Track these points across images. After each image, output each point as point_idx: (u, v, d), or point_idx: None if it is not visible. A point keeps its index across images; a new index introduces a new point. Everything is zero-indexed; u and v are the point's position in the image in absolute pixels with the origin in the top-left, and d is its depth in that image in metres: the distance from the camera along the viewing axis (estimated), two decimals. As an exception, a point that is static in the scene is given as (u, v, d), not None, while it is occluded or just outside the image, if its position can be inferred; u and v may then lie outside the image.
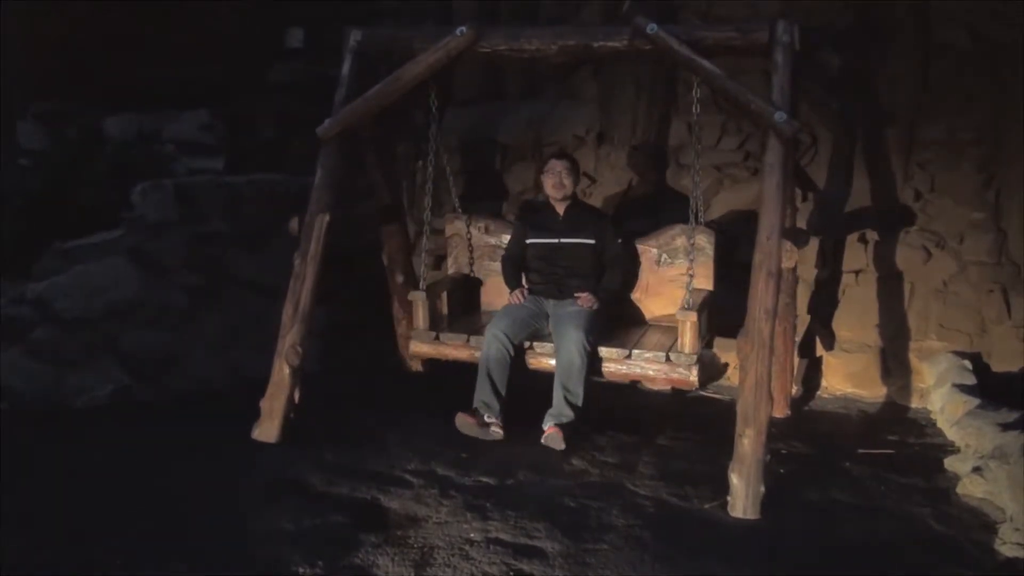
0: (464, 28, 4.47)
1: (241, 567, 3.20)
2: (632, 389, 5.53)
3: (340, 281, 5.51)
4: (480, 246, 5.33)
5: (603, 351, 4.56)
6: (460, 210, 5.40)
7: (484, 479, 4.10)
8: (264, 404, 4.50)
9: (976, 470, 4.04)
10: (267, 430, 4.47)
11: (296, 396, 4.54)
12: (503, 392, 4.63)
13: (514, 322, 4.70)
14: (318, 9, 7.52)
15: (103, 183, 6.36)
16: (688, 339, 4.39)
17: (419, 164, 4.89)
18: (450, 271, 5.40)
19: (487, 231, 5.33)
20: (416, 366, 5.49)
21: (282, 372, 4.50)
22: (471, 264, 5.35)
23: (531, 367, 4.75)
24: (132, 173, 6.03)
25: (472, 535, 3.49)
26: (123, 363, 5.09)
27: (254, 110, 7.36)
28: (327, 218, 4.61)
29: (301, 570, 3.16)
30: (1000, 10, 5.34)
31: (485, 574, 3.18)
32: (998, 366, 5.34)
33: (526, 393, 4.66)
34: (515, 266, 5.08)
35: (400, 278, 5.43)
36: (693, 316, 4.36)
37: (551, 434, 4.46)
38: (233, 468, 4.13)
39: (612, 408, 5.15)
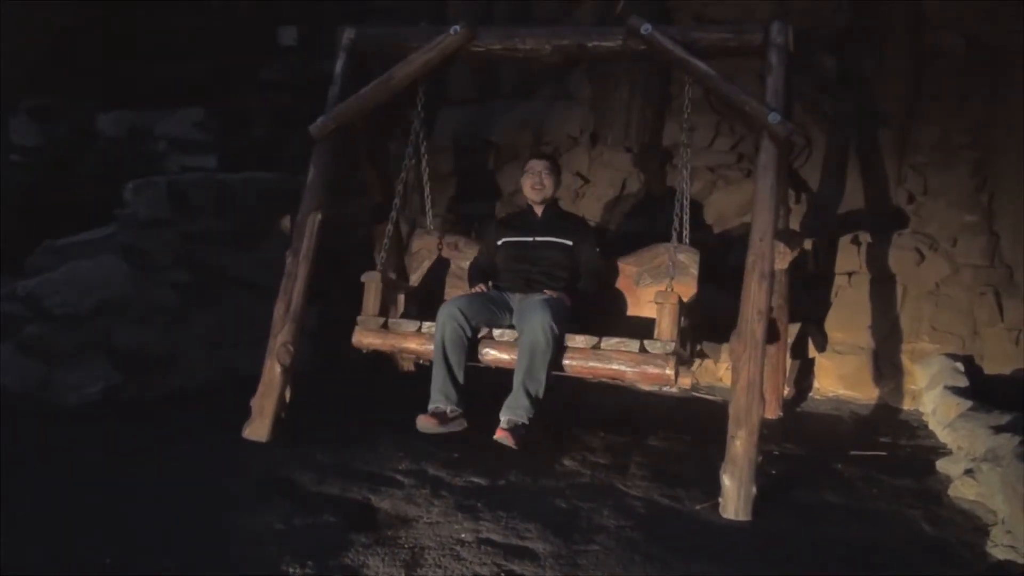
0: (458, 27, 4.46)
1: (230, 566, 3.18)
2: (623, 389, 5.52)
3: (332, 280, 5.49)
4: (449, 264, 5.07)
5: (570, 340, 4.19)
6: (431, 224, 5.23)
7: (475, 479, 4.09)
8: (255, 403, 4.49)
9: (968, 472, 4.05)
10: (258, 429, 4.45)
11: (287, 395, 4.52)
12: (461, 379, 4.29)
13: (472, 302, 4.38)
14: (312, 7, 7.52)
15: (95, 180, 6.35)
16: (665, 325, 4.08)
17: (409, 163, 4.84)
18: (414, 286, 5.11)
19: (457, 248, 5.09)
20: (408, 366, 5.48)
21: (273, 371, 4.49)
22: (437, 282, 5.06)
23: (486, 360, 4.34)
24: (124, 170, 6.01)
25: (463, 535, 3.48)
26: (114, 360, 5.07)
27: (247, 108, 7.35)
28: (319, 216, 4.60)
29: (291, 570, 3.14)
30: (993, 13, 5.36)
31: (476, 575, 3.17)
32: (990, 368, 5.36)
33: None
34: (482, 272, 4.82)
35: (392, 277, 5.41)
36: (673, 297, 4.06)
37: (501, 437, 4.08)
38: (223, 467, 4.11)
39: (603, 409, 5.14)
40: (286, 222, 4.72)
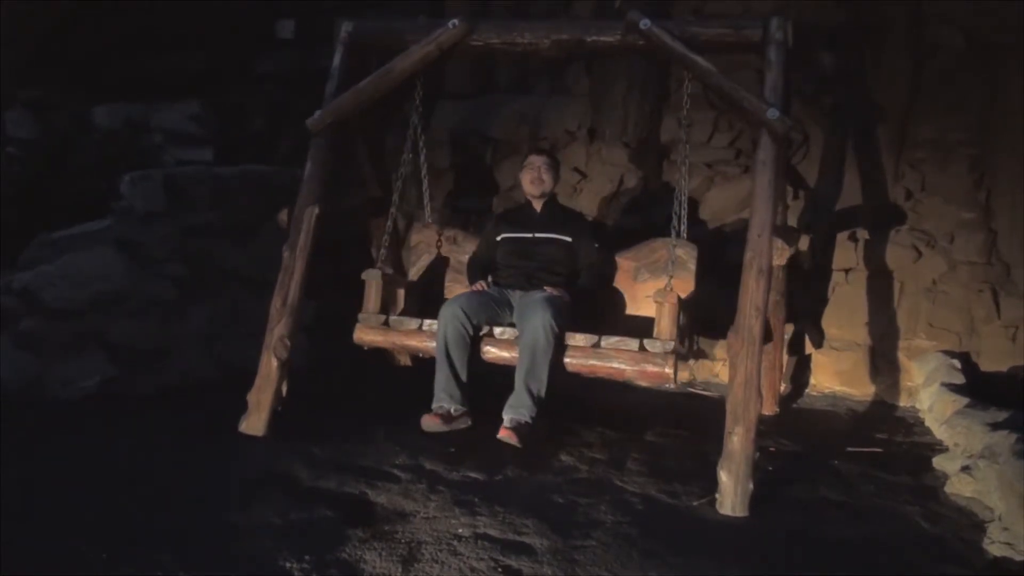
0: (456, 21, 4.45)
1: (227, 561, 3.17)
2: (621, 385, 5.52)
3: (328, 274, 5.48)
4: (447, 257, 5.10)
5: (570, 339, 4.25)
6: (430, 218, 5.21)
7: (472, 474, 4.08)
8: (251, 397, 4.48)
9: (965, 469, 4.05)
10: (254, 423, 4.44)
11: (284, 389, 4.51)
12: (464, 377, 4.36)
13: (473, 301, 4.41)
14: (309, 1, 7.49)
15: (91, 173, 6.33)
16: (665, 325, 4.13)
17: (407, 157, 4.83)
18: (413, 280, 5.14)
19: (455, 242, 5.10)
20: (405, 360, 5.47)
21: (270, 365, 4.48)
22: (436, 275, 5.09)
23: (488, 358, 4.40)
24: (120, 163, 6.00)
25: (460, 531, 3.48)
26: (110, 354, 5.06)
27: (244, 101, 7.33)
28: (317, 210, 4.59)
29: (288, 564, 3.13)
30: (993, 11, 5.36)
31: (473, 570, 3.16)
32: (987, 365, 5.37)
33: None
34: (481, 267, 4.85)
35: (391, 273, 5.40)
36: (672, 297, 4.11)
37: (505, 436, 4.16)
38: (219, 461, 4.10)
39: (601, 405, 5.14)
40: (283, 216, 4.71)
